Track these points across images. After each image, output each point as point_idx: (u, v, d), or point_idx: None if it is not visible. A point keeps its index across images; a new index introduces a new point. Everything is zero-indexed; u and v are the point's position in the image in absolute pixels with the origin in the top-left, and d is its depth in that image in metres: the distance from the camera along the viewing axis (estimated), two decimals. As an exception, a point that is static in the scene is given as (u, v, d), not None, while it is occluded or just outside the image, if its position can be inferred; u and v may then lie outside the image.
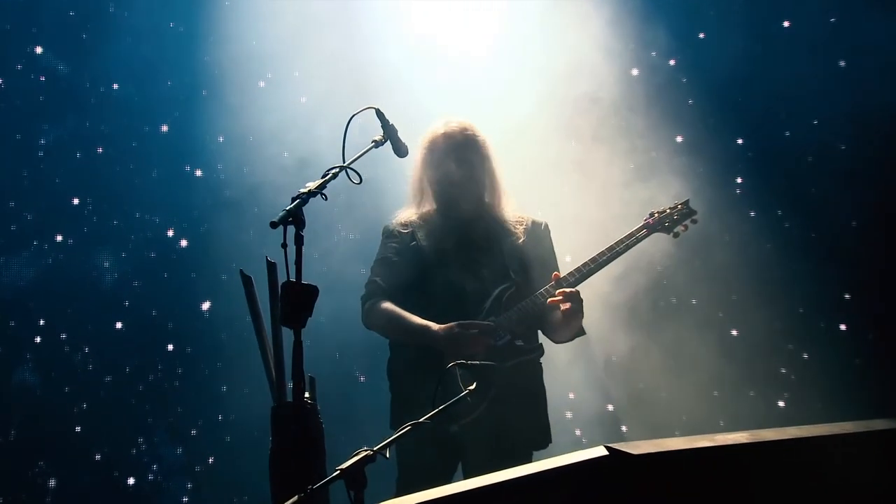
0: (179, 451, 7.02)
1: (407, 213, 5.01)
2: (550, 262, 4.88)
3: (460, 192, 4.84)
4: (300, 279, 3.27)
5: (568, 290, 4.51)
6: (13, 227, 7.00)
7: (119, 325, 7.05)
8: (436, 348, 4.50)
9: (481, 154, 4.87)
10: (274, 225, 3.28)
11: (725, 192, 6.99)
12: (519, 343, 4.65)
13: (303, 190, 3.45)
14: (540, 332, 4.86)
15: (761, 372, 6.82)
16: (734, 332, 6.99)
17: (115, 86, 7.22)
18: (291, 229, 3.30)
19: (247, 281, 3.49)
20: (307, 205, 3.41)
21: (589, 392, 7.02)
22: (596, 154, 6.76)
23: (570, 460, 2.71)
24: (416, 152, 4.87)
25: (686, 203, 5.03)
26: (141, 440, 6.95)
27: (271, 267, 3.42)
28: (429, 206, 4.99)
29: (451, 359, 3.84)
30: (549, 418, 4.79)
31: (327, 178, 3.64)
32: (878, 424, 2.99)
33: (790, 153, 7.12)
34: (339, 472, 3.00)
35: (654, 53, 7.23)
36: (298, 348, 3.23)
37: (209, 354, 7.11)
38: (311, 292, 3.30)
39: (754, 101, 7.27)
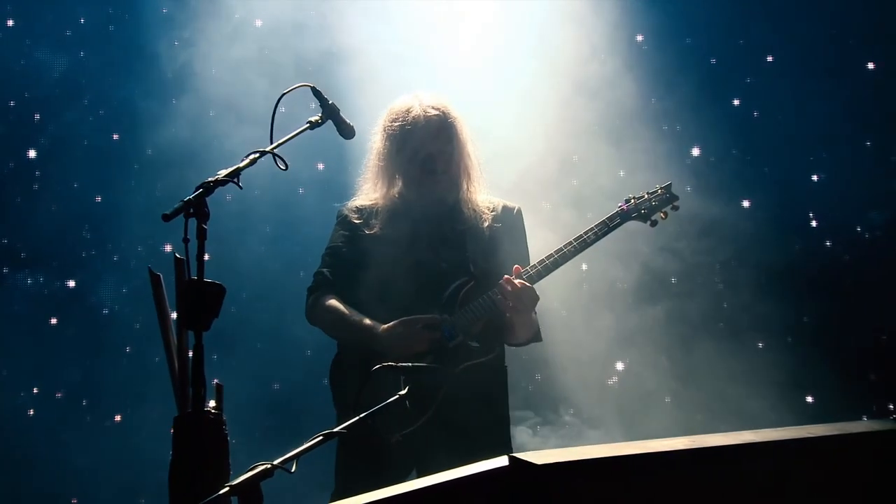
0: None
1: (364, 196, 4.54)
2: (520, 251, 4.41)
3: (432, 175, 4.34)
4: (202, 277, 2.99)
5: (519, 283, 4.11)
6: None
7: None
8: (379, 350, 4.05)
9: (460, 140, 4.39)
10: (166, 218, 2.97)
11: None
12: (474, 344, 4.19)
13: (210, 178, 3.14)
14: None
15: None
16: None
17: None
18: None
19: (155, 280, 3.20)
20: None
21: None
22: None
23: (471, 471, 2.45)
24: (380, 130, 4.45)
25: (668, 187, 4.51)
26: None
27: (178, 264, 3.11)
28: (391, 189, 4.47)
29: (396, 361, 3.43)
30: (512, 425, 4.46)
31: (243, 164, 3.32)
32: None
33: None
34: (229, 488, 2.70)
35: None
36: (199, 352, 2.95)
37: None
38: (216, 291, 3.02)
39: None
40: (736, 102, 7.18)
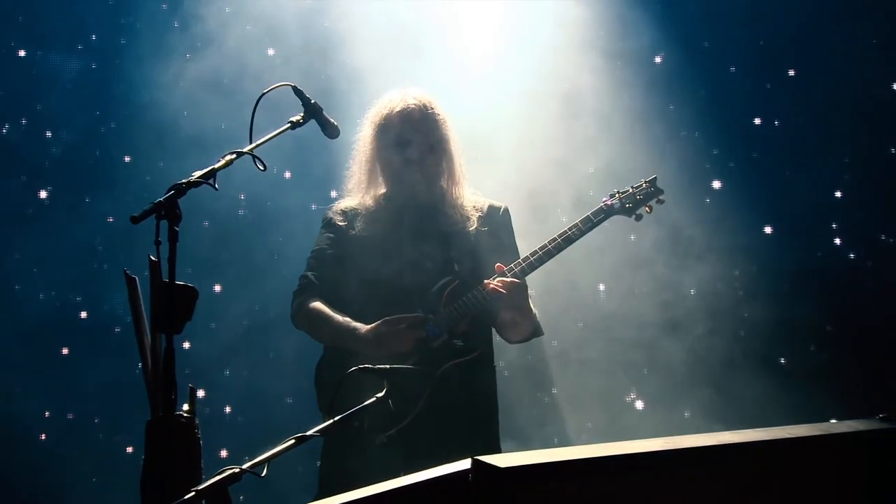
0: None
1: (350, 198, 4.53)
2: (507, 250, 4.36)
3: (415, 175, 4.33)
4: (174, 279, 2.94)
5: (507, 280, 4.07)
6: None
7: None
8: (362, 351, 4.02)
9: (441, 134, 4.37)
10: (134, 220, 2.94)
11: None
12: (458, 343, 4.15)
13: (183, 180, 3.10)
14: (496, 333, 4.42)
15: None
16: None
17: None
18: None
19: (130, 282, 3.16)
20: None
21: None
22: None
23: (433, 474, 2.39)
24: (366, 128, 4.45)
25: (652, 181, 4.46)
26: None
27: (153, 266, 3.07)
28: (377, 190, 4.48)
29: (379, 362, 3.36)
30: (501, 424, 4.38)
31: (218, 165, 3.27)
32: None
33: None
34: (194, 492, 2.64)
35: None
36: (170, 355, 2.89)
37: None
38: (188, 294, 2.97)
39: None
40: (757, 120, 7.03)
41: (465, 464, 2.30)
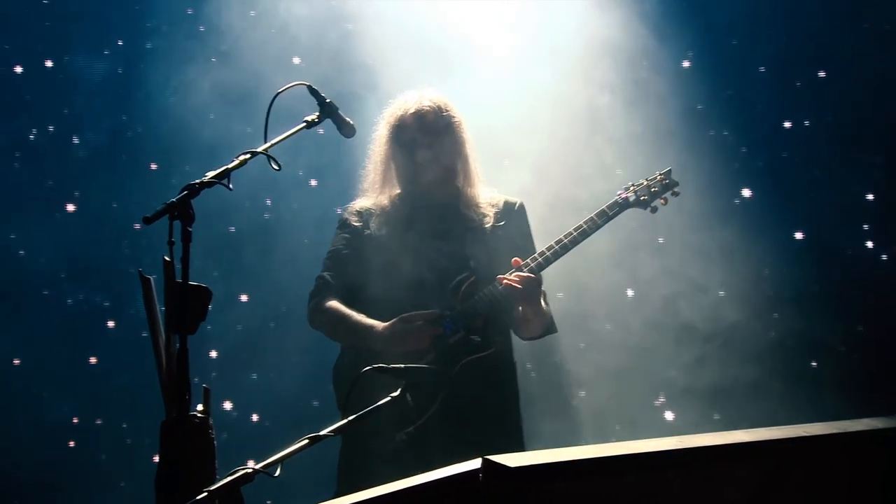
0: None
1: (365, 199, 4.55)
2: (523, 245, 4.36)
3: (430, 177, 4.35)
4: (187, 280, 2.94)
5: (522, 274, 4.09)
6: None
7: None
8: (379, 349, 4.03)
9: (456, 136, 4.39)
10: (147, 220, 2.97)
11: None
12: (475, 339, 4.15)
13: (196, 181, 3.10)
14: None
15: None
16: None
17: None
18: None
19: (145, 283, 3.17)
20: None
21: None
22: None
23: (443, 474, 2.39)
24: (381, 128, 4.48)
25: (667, 173, 4.48)
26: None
27: (167, 266, 3.07)
28: (392, 190, 4.51)
29: (395, 360, 3.41)
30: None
31: (232, 165, 3.28)
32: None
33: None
34: (206, 493, 2.64)
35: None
36: (184, 356, 2.90)
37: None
38: (202, 295, 2.98)
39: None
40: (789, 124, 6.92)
41: (475, 463, 2.29)
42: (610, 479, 2.30)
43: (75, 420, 6.73)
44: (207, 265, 6.45)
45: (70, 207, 6.91)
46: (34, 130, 6.93)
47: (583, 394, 6.77)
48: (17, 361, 6.67)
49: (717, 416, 6.40)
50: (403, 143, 4.38)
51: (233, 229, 6.91)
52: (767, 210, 6.61)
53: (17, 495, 6.59)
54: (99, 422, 6.77)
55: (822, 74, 6.78)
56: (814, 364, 6.55)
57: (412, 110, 4.36)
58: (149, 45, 6.98)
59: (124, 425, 6.76)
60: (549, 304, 4.39)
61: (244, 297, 6.89)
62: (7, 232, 6.79)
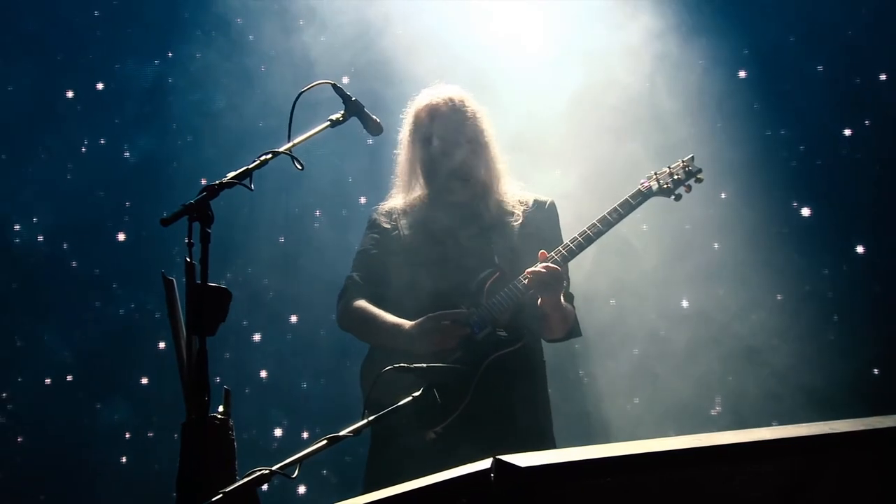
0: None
1: (394, 199, 4.53)
2: (552, 244, 4.23)
3: (450, 172, 4.30)
4: (206, 280, 2.92)
5: (545, 265, 4.02)
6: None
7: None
8: (407, 348, 4.01)
9: (474, 128, 4.34)
10: (164, 222, 2.96)
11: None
12: (502, 334, 4.09)
13: (216, 181, 3.08)
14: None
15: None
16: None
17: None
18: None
19: (168, 284, 3.16)
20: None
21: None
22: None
23: (453, 474, 2.33)
24: (403, 128, 4.46)
25: (690, 160, 4.35)
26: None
27: (189, 268, 3.06)
28: (419, 191, 4.47)
29: (422, 359, 3.45)
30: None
31: (253, 165, 3.26)
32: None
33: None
34: (222, 494, 2.62)
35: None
36: (203, 357, 2.88)
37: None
38: (222, 296, 2.95)
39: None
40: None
41: (485, 463, 2.24)
42: (623, 478, 2.22)
43: (127, 435, 6.84)
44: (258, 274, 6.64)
45: (125, 219, 7.04)
46: (85, 141, 7.04)
47: (637, 400, 6.70)
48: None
49: (775, 423, 6.28)
50: (420, 140, 4.36)
51: (282, 240, 6.95)
52: (828, 214, 6.59)
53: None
54: (150, 434, 6.87)
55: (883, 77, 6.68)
56: (875, 371, 6.45)
57: (425, 106, 4.36)
58: (198, 55, 7.06)
59: (175, 436, 6.81)
60: (577, 308, 4.34)
61: (293, 319, 7.00)
62: (59, 243, 6.92)
